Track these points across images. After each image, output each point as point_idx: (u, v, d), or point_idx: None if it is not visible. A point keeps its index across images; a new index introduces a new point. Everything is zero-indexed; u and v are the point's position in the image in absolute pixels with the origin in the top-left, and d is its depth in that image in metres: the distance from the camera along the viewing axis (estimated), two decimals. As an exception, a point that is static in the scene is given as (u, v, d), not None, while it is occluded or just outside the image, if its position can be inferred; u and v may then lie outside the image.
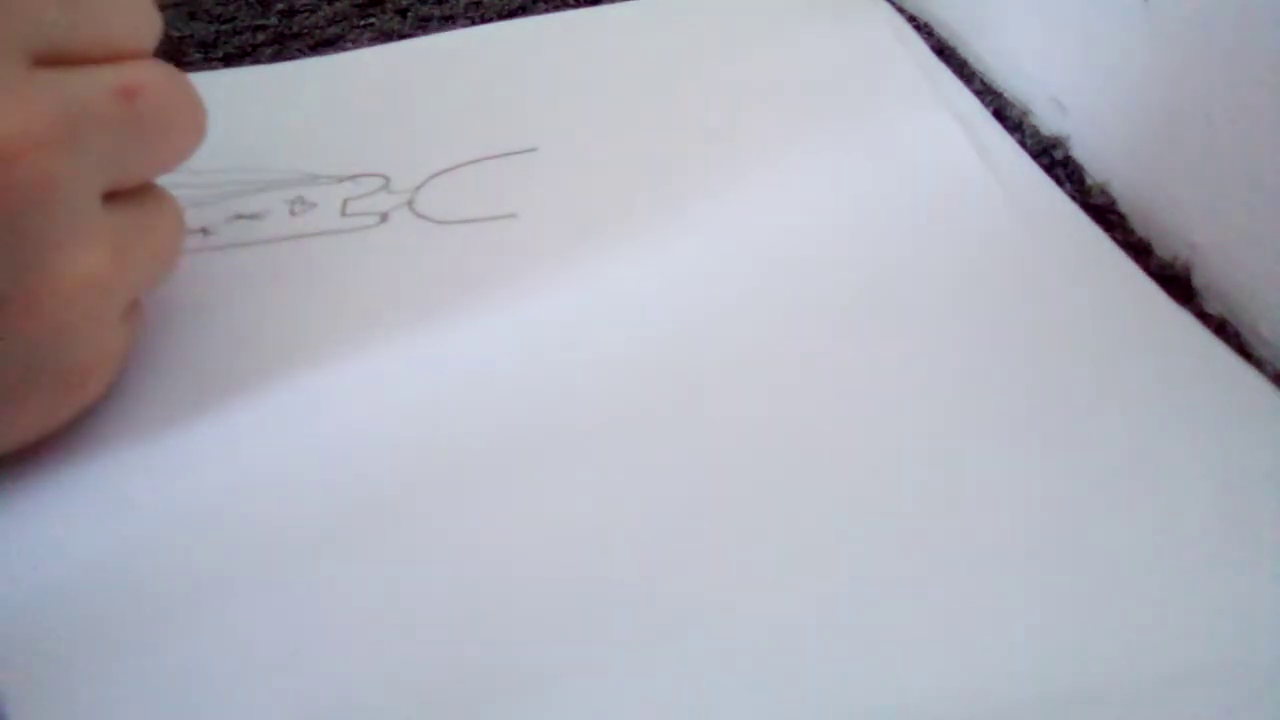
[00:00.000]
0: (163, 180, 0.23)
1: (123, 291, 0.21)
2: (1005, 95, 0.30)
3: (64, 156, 0.19)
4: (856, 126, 0.29)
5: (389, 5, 0.37)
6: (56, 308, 0.19)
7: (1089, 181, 0.26)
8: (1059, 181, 0.26)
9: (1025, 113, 0.29)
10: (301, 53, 0.35)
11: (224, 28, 0.37)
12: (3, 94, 0.18)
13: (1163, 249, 0.24)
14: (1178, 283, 0.23)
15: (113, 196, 0.21)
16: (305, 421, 0.21)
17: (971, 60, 0.32)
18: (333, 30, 0.36)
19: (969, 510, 0.18)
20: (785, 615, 0.17)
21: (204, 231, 0.27)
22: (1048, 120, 0.28)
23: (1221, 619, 0.17)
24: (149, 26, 0.22)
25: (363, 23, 0.37)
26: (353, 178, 0.28)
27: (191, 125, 0.23)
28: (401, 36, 0.35)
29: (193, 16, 0.38)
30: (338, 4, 0.38)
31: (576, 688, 0.16)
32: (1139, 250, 0.24)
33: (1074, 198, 0.25)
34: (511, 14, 0.36)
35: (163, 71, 0.22)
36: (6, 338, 0.19)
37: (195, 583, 0.18)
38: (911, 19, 0.34)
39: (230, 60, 0.35)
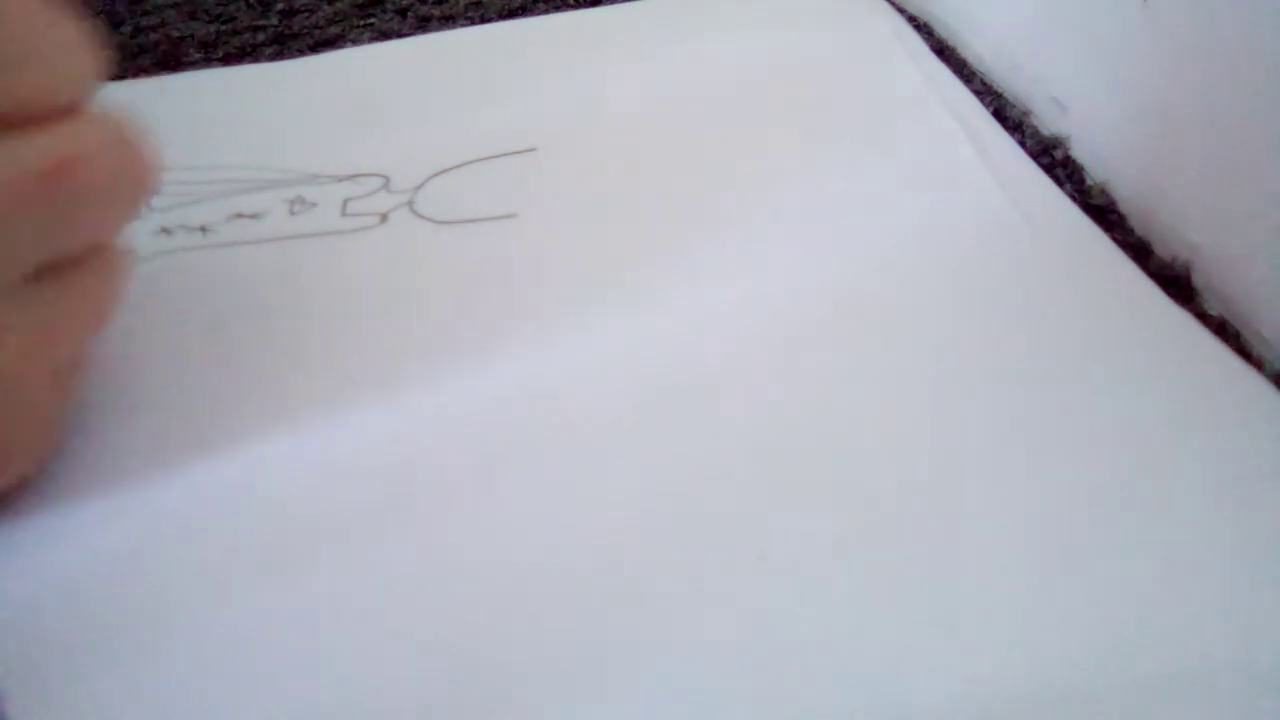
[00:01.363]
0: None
1: (44, 370, 0.19)
2: (1005, 95, 0.30)
3: None
4: (856, 126, 0.29)
5: (389, 5, 0.37)
6: None
7: (1089, 181, 0.26)
8: (1059, 181, 0.26)
9: (1025, 113, 0.29)
10: (301, 53, 0.35)
11: (224, 28, 0.37)
12: None
13: (1163, 249, 0.24)
14: (1178, 283, 0.23)
15: (40, 271, 0.18)
16: (303, 421, 0.21)
17: (971, 60, 0.31)
18: (333, 30, 0.36)
19: (968, 510, 0.18)
20: (786, 615, 0.17)
21: (203, 229, 0.27)
22: (1048, 120, 0.28)
23: (1221, 619, 0.17)
24: (85, 74, 0.19)
25: (363, 23, 0.37)
26: (353, 177, 0.28)
27: (136, 186, 0.20)
28: (401, 36, 0.35)
29: (193, 16, 0.38)
30: (338, 4, 0.38)
31: (578, 688, 0.16)
32: (1139, 250, 0.24)
33: (1074, 198, 0.25)
34: (511, 14, 0.36)
35: (101, 131, 0.19)
36: None
37: (197, 583, 0.18)
38: (911, 19, 0.34)
39: (230, 60, 0.35)
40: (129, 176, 0.20)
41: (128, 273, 0.21)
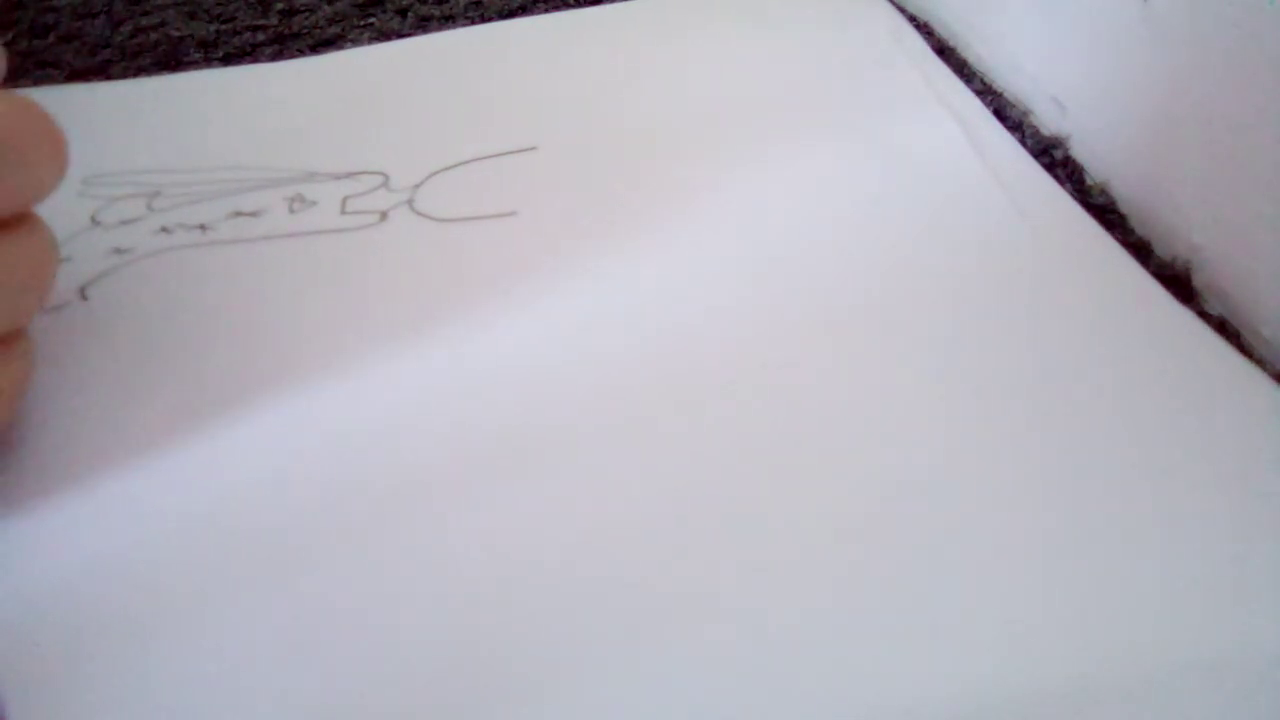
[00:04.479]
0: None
1: None
2: (1005, 95, 0.30)
3: None
4: (857, 127, 0.29)
5: (389, 5, 0.37)
6: None
7: (1089, 181, 0.26)
8: (1059, 181, 0.26)
9: (1025, 113, 0.29)
10: (301, 53, 0.35)
11: (224, 28, 0.37)
12: None
13: (1163, 249, 0.24)
14: (1178, 283, 0.23)
15: None
16: (303, 420, 0.21)
17: (971, 60, 0.31)
18: (333, 30, 0.36)
19: (969, 509, 0.18)
20: (786, 615, 0.17)
21: (202, 228, 0.27)
22: (1048, 120, 0.28)
23: (1222, 616, 0.17)
24: None
25: (363, 23, 0.36)
26: (352, 175, 0.28)
27: (45, 159, 0.19)
28: (401, 36, 0.35)
29: (193, 16, 0.38)
30: (338, 4, 0.38)
31: (576, 688, 0.16)
32: (1139, 250, 0.24)
33: (1074, 198, 0.25)
34: (511, 14, 0.36)
35: (2, 104, 0.19)
36: None
37: (197, 583, 0.18)
38: (911, 19, 0.34)
39: (230, 60, 0.35)
40: (32, 145, 0.19)
41: (50, 256, 0.20)
